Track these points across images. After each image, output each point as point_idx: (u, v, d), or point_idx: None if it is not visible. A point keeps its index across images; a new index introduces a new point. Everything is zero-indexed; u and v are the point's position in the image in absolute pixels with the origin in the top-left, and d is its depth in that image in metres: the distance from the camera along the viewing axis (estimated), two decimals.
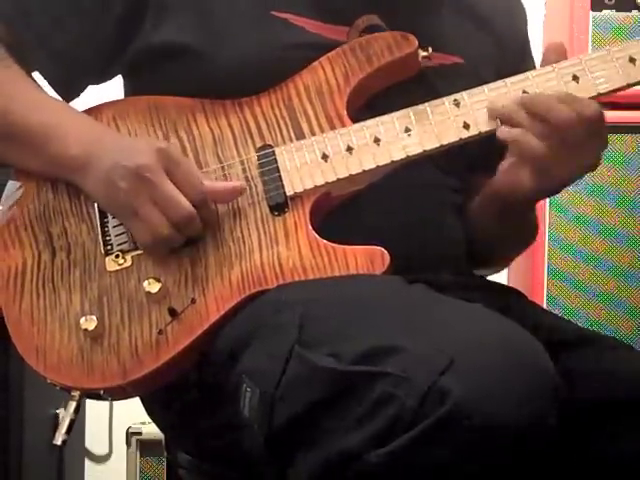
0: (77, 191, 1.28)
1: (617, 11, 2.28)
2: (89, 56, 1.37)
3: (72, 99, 1.40)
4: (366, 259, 1.19)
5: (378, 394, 0.97)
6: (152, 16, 1.33)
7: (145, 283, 1.22)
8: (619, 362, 1.24)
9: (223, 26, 1.31)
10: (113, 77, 1.43)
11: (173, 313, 1.20)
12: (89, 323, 1.21)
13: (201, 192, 1.20)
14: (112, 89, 1.45)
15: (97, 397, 1.24)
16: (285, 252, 1.21)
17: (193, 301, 1.21)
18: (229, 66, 1.29)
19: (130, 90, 1.43)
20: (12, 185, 1.32)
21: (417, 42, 1.31)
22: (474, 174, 1.44)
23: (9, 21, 1.36)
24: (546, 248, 2.26)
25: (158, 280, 1.22)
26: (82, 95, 1.43)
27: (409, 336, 1.00)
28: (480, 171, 1.42)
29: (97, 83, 1.43)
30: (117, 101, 1.37)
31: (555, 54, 1.28)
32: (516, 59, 1.49)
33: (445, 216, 1.37)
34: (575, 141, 1.22)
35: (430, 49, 1.32)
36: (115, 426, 2.91)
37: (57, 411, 2.47)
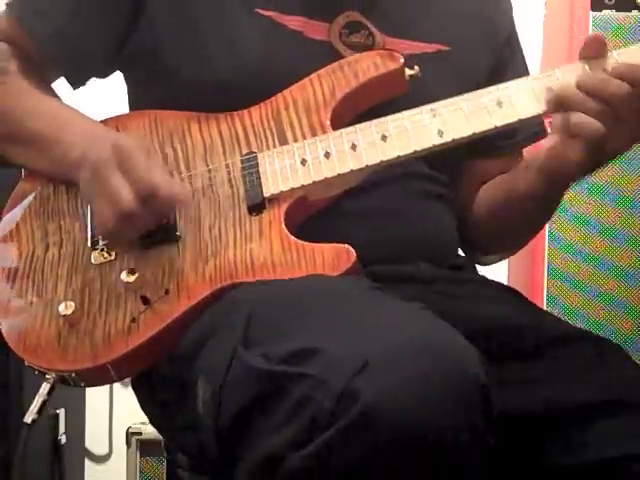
0: (75, 189, 1.33)
1: (617, 11, 2.28)
2: (99, 51, 1.41)
3: (78, 87, 1.45)
4: (332, 256, 1.21)
5: (298, 395, 0.97)
6: (146, 13, 1.37)
7: (123, 274, 1.26)
8: (615, 362, 1.25)
9: (207, 24, 1.35)
10: (117, 69, 1.46)
11: (146, 301, 1.25)
12: (67, 309, 1.26)
13: (147, 187, 1.21)
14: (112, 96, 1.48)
15: (68, 383, 1.28)
16: (257, 248, 1.25)
17: (167, 292, 1.25)
18: (213, 65, 1.33)
19: (129, 88, 1.47)
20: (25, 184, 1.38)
21: (403, 59, 1.34)
22: (474, 159, 1.47)
23: (25, 22, 1.40)
24: (546, 248, 2.26)
25: (135, 271, 1.27)
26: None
27: (332, 337, 1.00)
28: (481, 156, 1.47)
29: (104, 76, 1.47)
30: (123, 115, 1.42)
31: (594, 48, 1.27)
32: (504, 41, 1.51)
33: (429, 208, 1.39)
34: (628, 115, 1.22)
35: (417, 67, 1.35)
36: (115, 426, 2.91)
37: (57, 411, 2.47)
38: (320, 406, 0.95)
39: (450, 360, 0.97)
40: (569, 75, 1.26)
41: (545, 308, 2.18)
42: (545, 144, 1.30)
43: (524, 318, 1.31)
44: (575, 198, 2.27)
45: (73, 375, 1.26)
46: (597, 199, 2.26)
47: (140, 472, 2.67)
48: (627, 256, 2.26)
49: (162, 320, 1.24)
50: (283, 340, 1.04)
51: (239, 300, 1.18)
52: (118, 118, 1.40)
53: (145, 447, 2.66)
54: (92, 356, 1.24)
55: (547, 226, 2.24)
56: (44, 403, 1.27)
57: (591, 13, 2.28)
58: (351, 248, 1.21)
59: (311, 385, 0.97)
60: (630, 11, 2.29)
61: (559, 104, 1.24)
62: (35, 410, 1.27)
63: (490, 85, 1.31)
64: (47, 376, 1.26)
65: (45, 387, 1.26)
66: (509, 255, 1.61)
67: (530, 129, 1.50)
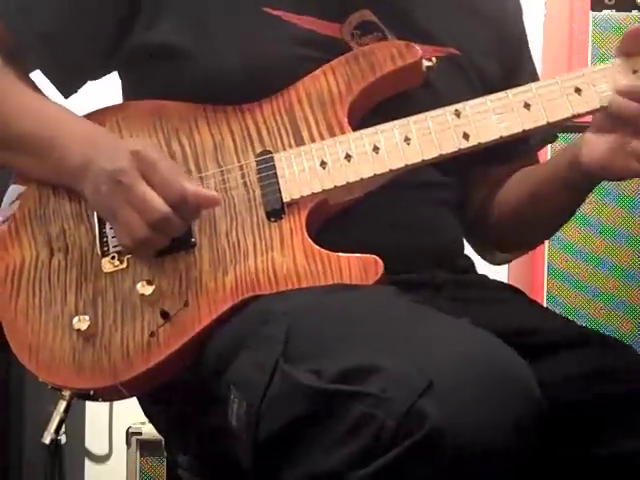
0: (77, 193, 1.28)
1: (617, 11, 2.28)
2: (88, 54, 1.37)
3: (70, 95, 1.40)
4: (360, 268, 1.19)
5: (358, 414, 0.96)
6: (146, 14, 1.33)
7: (139, 285, 1.22)
8: (619, 360, 1.24)
9: (216, 24, 1.31)
10: (112, 71, 1.42)
11: (165, 315, 1.21)
12: (82, 323, 1.22)
13: (177, 192, 1.18)
14: (109, 93, 1.46)
15: (88, 397, 1.24)
16: (279, 258, 1.21)
17: (186, 304, 1.21)
18: (223, 64, 1.29)
19: (127, 88, 1.42)
20: (15, 188, 1.33)
21: (420, 52, 1.30)
22: (487, 165, 1.45)
23: (8, 19, 1.35)
24: (546, 248, 2.26)
25: (152, 282, 1.22)
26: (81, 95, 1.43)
27: (391, 355, 0.98)
28: (494, 162, 1.44)
29: (96, 79, 1.43)
30: (121, 105, 1.37)
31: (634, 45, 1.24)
32: (514, 47, 1.49)
33: (441, 215, 1.37)
34: None
35: (434, 59, 1.31)
36: (115, 426, 2.91)
37: None
38: (382, 425, 0.94)
39: (512, 381, 0.97)
40: (599, 77, 1.23)
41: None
42: (584, 139, 1.26)
43: (528, 318, 1.31)
44: None
45: (92, 393, 1.22)
46: (597, 199, 2.26)
47: (140, 472, 2.67)
48: (627, 256, 2.26)
49: (183, 334, 1.20)
50: (333, 356, 1.02)
51: (273, 310, 1.14)
52: (118, 108, 1.35)
53: (145, 447, 2.66)
54: (112, 374, 1.20)
55: None
56: (62, 421, 1.23)
57: (591, 13, 2.28)
58: (379, 259, 1.19)
59: (372, 403, 0.95)
60: (630, 11, 2.29)
61: (615, 120, 1.22)
62: (53, 430, 1.22)
63: (503, 88, 1.27)
64: (63, 393, 1.22)
65: (62, 405, 1.22)
66: (522, 254, 1.60)
67: (542, 132, 1.46)
